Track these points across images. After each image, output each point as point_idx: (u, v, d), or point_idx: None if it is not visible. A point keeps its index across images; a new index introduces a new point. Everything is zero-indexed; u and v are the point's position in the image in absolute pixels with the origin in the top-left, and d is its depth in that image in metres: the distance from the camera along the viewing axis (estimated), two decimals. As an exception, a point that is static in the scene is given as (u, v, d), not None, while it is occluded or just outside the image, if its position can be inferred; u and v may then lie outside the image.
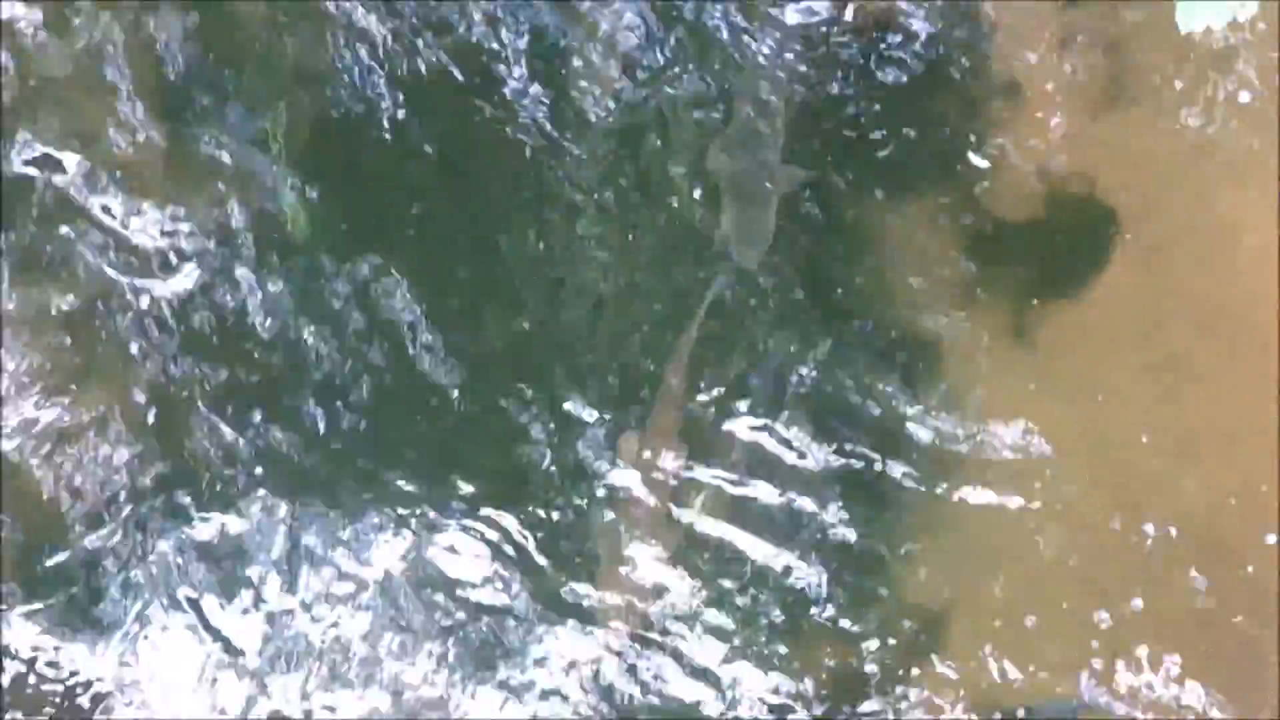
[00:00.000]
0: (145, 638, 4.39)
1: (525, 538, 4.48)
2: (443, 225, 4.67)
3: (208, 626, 4.40)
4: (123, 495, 4.43)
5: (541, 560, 4.48)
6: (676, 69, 4.70)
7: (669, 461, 4.53)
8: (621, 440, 4.55)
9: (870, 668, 4.42)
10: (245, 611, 4.42)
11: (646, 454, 4.53)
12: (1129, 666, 4.36)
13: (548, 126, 4.66)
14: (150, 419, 4.47)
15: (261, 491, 4.46)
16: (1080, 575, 4.43)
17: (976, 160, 4.62)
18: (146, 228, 4.52)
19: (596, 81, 4.68)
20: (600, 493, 4.54)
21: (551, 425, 4.56)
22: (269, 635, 4.40)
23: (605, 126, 4.68)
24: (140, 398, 4.47)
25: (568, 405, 4.56)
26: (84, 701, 4.32)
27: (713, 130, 4.69)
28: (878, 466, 4.52)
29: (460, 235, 4.67)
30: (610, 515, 4.52)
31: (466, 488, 4.52)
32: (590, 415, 4.56)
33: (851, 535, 4.49)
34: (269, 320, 4.53)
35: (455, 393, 4.56)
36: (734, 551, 4.50)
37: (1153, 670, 4.36)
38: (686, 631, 4.46)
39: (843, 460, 4.52)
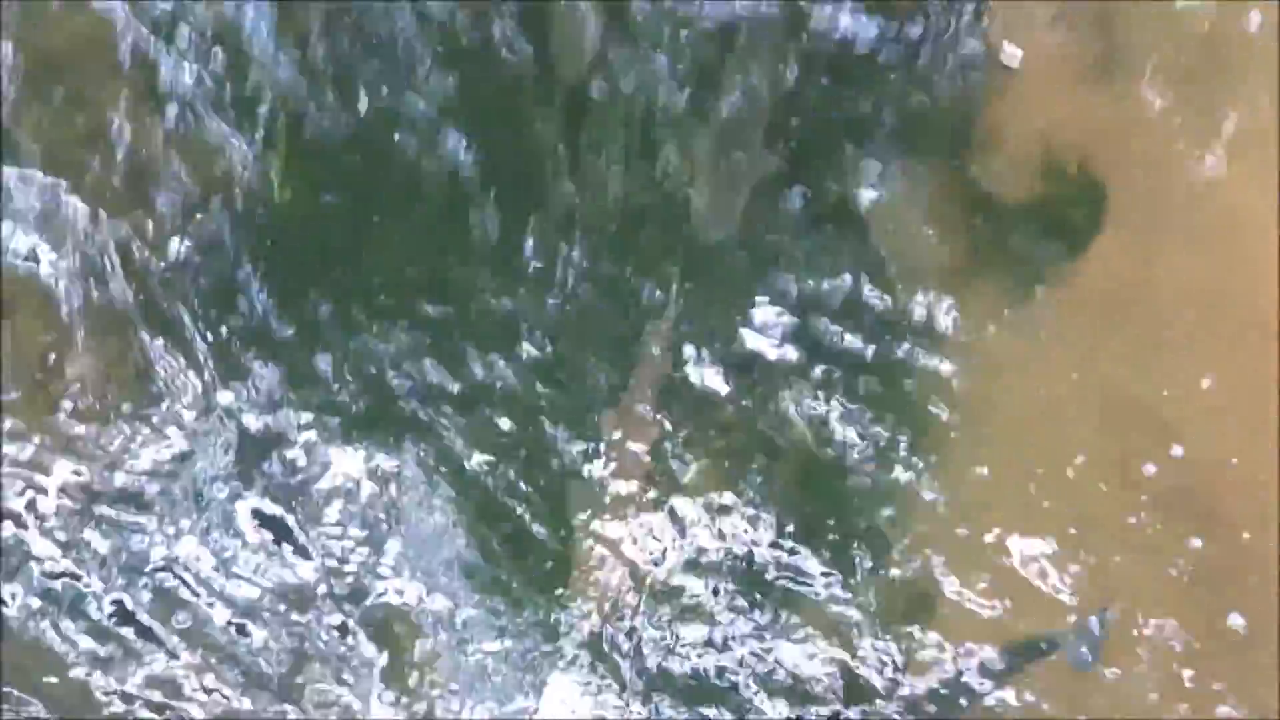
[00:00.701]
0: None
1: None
2: (422, 195, 4.65)
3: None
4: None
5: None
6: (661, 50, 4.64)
7: (647, 438, 4.54)
8: (601, 419, 4.56)
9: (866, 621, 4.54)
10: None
11: (624, 431, 4.54)
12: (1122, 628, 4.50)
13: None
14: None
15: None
16: (1077, 540, 4.52)
17: (970, 136, 4.61)
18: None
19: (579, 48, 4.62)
20: (579, 472, 4.59)
21: (531, 407, 4.60)
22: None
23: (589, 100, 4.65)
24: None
25: (547, 387, 4.61)
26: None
27: (697, 110, 4.64)
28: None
29: (439, 204, 4.64)
30: (589, 492, 4.57)
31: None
32: (570, 395, 4.60)
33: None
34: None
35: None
36: (717, 526, 4.58)
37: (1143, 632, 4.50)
38: (667, 614, 4.58)
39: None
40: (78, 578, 4.58)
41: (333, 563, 4.60)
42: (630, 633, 4.57)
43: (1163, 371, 4.50)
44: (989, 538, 4.55)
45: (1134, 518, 4.49)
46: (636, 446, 4.55)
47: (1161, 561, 4.48)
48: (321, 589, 4.59)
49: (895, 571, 4.57)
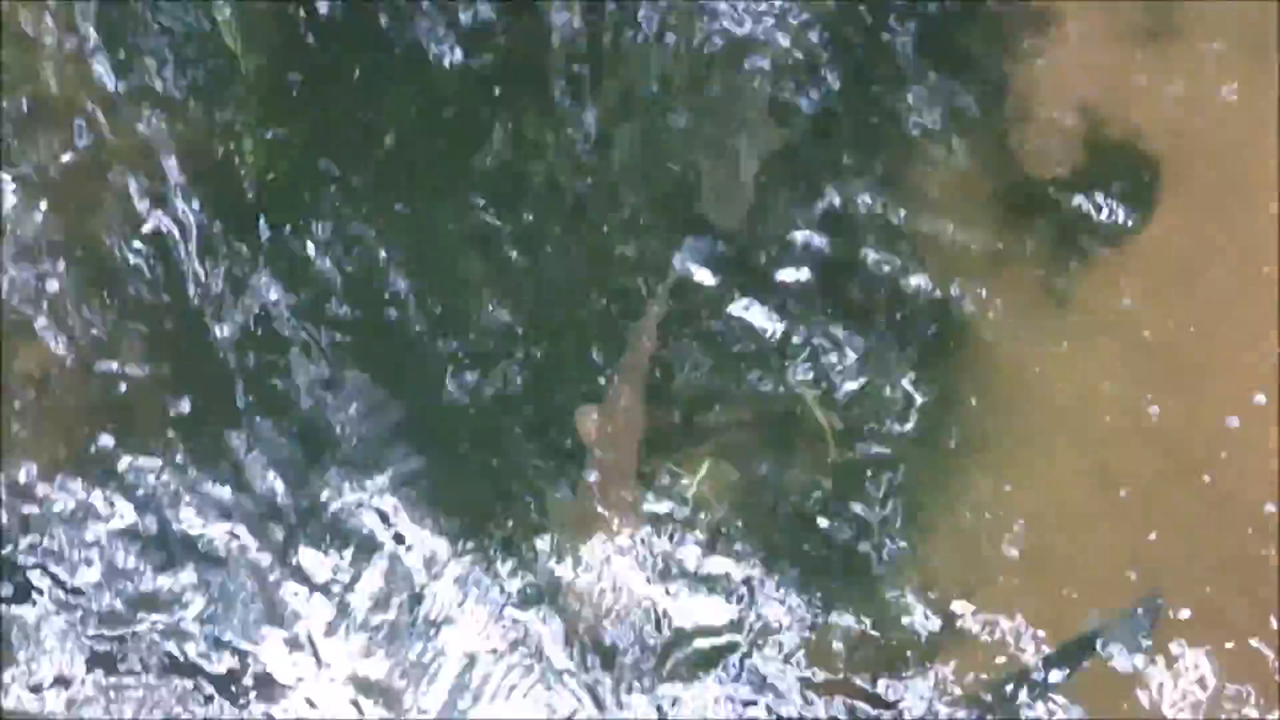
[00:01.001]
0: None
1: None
2: (409, 169, 4.51)
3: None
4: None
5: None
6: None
7: (631, 439, 4.28)
8: (579, 415, 4.30)
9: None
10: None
11: (608, 429, 4.27)
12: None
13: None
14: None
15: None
16: (1112, 532, 4.21)
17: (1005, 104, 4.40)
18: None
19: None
20: (559, 473, 4.34)
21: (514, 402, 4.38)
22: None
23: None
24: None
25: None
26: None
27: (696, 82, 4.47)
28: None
29: (426, 185, 4.49)
30: (570, 497, 4.32)
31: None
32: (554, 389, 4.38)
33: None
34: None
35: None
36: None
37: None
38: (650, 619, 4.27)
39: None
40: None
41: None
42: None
43: (1221, 358, 4.23)
44: (1023, 528, 4.26)
45: (1206, 475, 4.18)
46: (622, 446, 4.28)
47: (1218, 545, 4.20)
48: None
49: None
